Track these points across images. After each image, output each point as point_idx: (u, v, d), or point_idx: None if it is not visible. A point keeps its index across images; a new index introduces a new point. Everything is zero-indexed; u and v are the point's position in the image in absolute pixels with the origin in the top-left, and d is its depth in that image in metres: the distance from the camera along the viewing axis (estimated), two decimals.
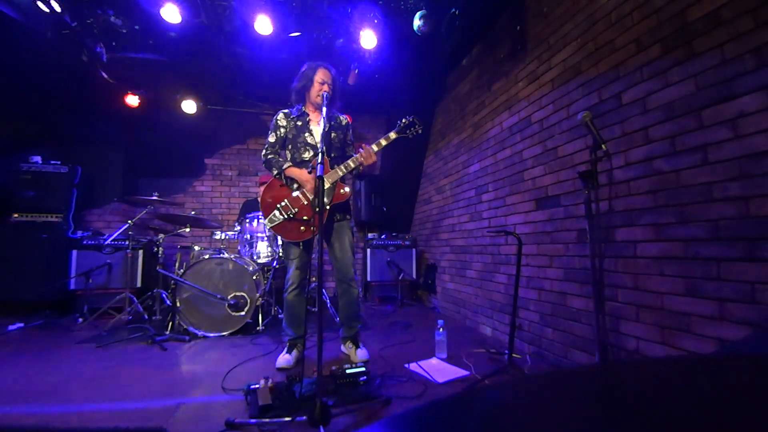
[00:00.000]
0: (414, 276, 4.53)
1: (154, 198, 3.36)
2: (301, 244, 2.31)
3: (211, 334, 2.94)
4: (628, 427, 0.34)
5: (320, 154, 1.76)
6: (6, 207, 3.77)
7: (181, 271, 3.02)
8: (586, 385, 0.49)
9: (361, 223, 4.97)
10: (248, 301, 3.02)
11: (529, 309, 2.65)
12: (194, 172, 5.03)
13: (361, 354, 2.37)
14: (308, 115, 2.41)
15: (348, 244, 2.41)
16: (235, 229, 3.58)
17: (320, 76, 2.36)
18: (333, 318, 3.55)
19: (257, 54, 3.56)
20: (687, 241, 1.62)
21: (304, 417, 1.50)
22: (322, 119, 1.99)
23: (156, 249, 3.63)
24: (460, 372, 2.17)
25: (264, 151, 2.40)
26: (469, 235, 3.57)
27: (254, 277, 3.08)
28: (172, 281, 2.99)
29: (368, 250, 4.52)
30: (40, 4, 2.81)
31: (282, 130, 2.40)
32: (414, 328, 3.30)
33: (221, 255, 3.09)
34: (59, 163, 3.97)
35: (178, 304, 2.92)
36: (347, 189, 2.32)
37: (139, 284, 3.81)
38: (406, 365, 2.27)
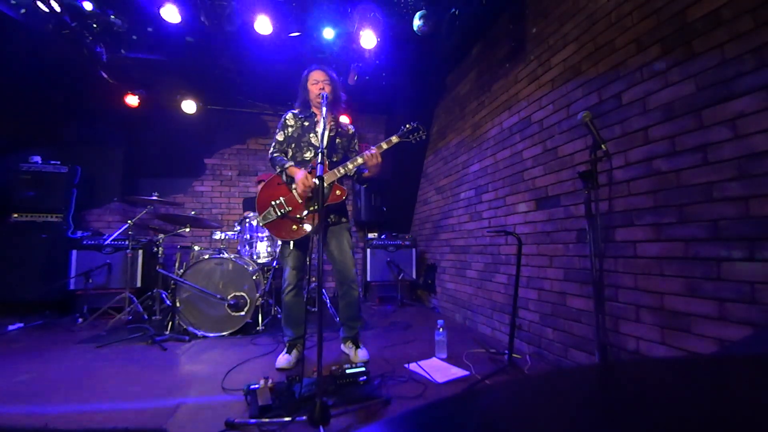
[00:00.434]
0: (414, 276, 4.52)
1: (154, 198, 3.36)
2: (292, 243, 2.32)
3: (211, 334, 2.94)
4: (628, 428, 0.34)
5: (320, 154, 1.75)
6: (6, 207, 3.77)
7: (181, 271, 3.02)
8: (586, 385, 0.49)
9: (361, 223, 4.97)
10: (248, 301, 3.02)
11: (528, 309, 2.65)
12: (194, 172, 5.02)
13: (361, 354, 2.38)
14: (316, 116, 2.44)
15: (347, 245, 2.42)
16: (235, 229, 3.58)
17: (313, 76, 2.40)
18: (333, 318, 3.55)
19: (257, 54, 3.57)
20: (687, 241, 1.62)
21: (304, 417, 1.50)
22: (322, 119, 1.99)
23: (156, 249, 3.63)
24: (460, 372, 2.17)
25: (271, 149, 2.44)
26: (469, 235, 3.57)
27: (254, 277, 3.08)
28: (172, 281, 2.99)
29: (368, 250, 4.52)
30: (40, 4, 2.82)
31: (290, 129, 2.44)
32: (414, 328, 3.30)
33: (221, 255, 3.09)
34: (59, 163, 3.97)
35: (177, 304, 2.92)
36: (342, 190, 2.32)
37: (138, 284, 3.81)
38: (406, 365, 2.27)
